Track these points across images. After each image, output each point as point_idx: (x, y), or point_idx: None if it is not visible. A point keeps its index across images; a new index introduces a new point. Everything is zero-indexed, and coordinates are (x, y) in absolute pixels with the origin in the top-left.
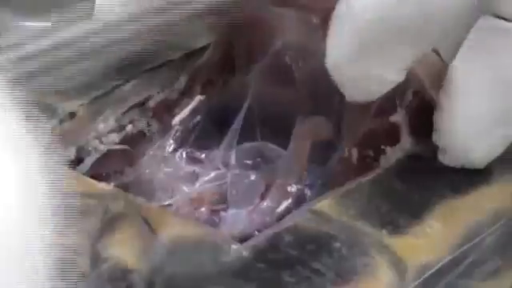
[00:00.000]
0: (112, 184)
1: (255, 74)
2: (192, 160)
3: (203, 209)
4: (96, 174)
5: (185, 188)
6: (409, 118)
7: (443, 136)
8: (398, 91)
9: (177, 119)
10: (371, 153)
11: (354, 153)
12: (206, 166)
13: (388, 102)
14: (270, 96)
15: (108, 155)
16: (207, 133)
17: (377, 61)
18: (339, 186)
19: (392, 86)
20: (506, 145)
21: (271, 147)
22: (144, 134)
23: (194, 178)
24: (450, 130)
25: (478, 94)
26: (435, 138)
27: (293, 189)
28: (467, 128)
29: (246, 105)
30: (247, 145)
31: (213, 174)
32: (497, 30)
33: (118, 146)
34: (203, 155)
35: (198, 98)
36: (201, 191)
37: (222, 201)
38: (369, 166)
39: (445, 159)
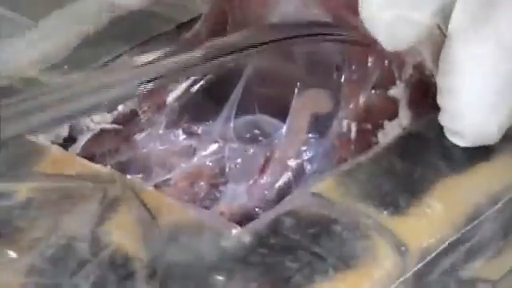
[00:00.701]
0: (108, 164)
1: None
2: (189, 134)
3: (202, 183)
4: (90, 153)
5: (182, 163)
6: (408, 92)
7: (449, 117)
8: (398, 64)
9: (171, 97)
10: (369, 127)
11: (353, 127)
12: (203, 140)
13: (387, 75)
14: (267, 69)
15: (101, 135)
16: (204, 107)
17: (409, 4)
18: (338, 160)
19: (426, 30)
20: None
21: (269, 120)
22: (136, 113)
23: (191, 152)
24: (456, 111)
25: (478, 67)
26: (441, 119)
27: (292, 163)
28: (473, 106)
29: (243, 78)
30: (245, 118)
31: (210, 148)
32: None
33: (110, 126)
34: (200, 129)
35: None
36: (199, 166)
37: (220, 175)
38: (367, 140)
39: (456, 140)
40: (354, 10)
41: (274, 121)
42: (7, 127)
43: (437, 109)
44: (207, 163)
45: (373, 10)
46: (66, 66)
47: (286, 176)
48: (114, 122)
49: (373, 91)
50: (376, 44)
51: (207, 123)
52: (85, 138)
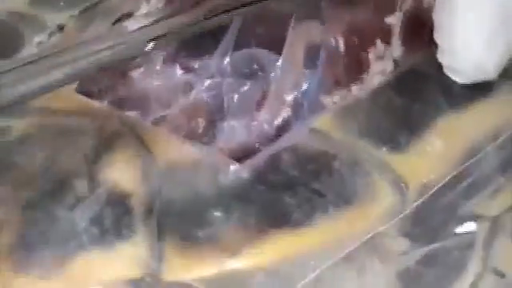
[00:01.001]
0: (105, 101)
1: None
2: (186, 69)
3: (200, 119)
4: (88, 90)
5: (180, 99)
6: (404, 23)
7: (447, 54)
8: None
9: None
10: (357, 41)
11: (341, 41)
12: (200, 75)
13: (387, 4)
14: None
15: (99, 71)
16: (201, 42)
17: None
18: (330, 82)
19: None
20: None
21: (266, 53)
22: None
23: (188, 88)
24: (453, 48)
25: (473, 4)
26: (439, 56)
27: (289, 97)
28: (470, 43)
29: (239, 15)
30: (242, 52)
31: (207, 84)
32: None
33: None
34: (197, 64)
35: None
36: (196, 101)
37: (218, 110)
38: (357, 55)
39: (454, 76)
40: None
41: (271, 54)
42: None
43: (433, 45)
44: (205, 99)
45: None
46: (61, 3)
47: (285, 112)
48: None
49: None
50: None
51: (204, 58)
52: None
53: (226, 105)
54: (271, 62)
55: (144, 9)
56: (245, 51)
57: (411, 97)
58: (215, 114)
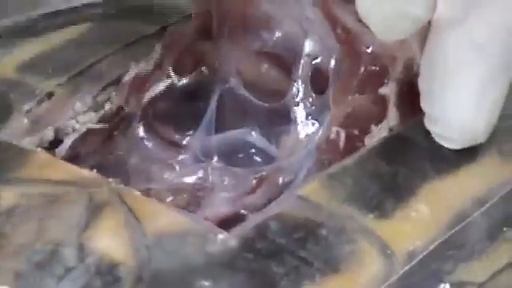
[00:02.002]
0: (90, 167)
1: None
2: (169, 144)
3: (185, 195)
4: (75, 154)
5: (164, 175)
6: (398, 91)
7: (434, 122)
8: (389, 63)
9: (147, 97)
10: (357, 132)
11: (341, 134)
12: (184, 152)
13: (377, 75)
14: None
15: (87, 134)
16: (185, 113)
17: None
18: (324, 163)
19: (422, 24)
20: (498, 108)
21: (254, 136)
22: (123, 109)
23: (172, 166)
24: (439, 116)
25: (455, 69)
26: (426, 123)
27: (284, 180)
28: (456, 109)
29: (226, 85)
30: (228, 134)
31: (192, 165)
32: None
33: (96, 126)
34: (180, 140)
35: (171, 77)
36: (180, 182)
37: (204, 190)
38: (355, 145)
39: (445, 143)
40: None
41: (259, 136)
42: None
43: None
44: (190, 181)
45: (370, 4)
46: (49, 70)
47: (277, 191)
48: (100, 121)
49: (361, 95)
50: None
51: (187, 133)
52: (71, 139)
53: (213, 186)
54: (261, 146)
55: (132, 73)
56: (231, 134)
57: (398, 163)
58: (201, 191)
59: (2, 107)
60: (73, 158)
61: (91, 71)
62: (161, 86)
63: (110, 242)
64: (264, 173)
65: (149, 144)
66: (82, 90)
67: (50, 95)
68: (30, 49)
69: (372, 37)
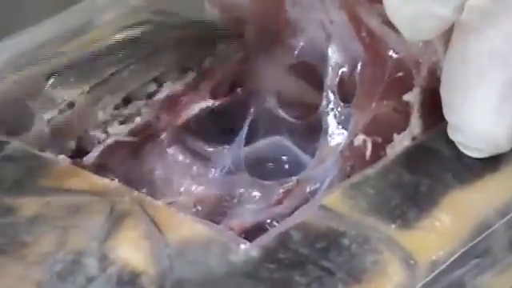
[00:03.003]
0: (116, 178)
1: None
2: (198, 157)
3: (210, 206)
4: (102, 165)
5: (191, 188)
6: (422, 99)
7: (457, 132)
8: (414, 67)
9: (183, 117)
10: (380, 140)
11: (364, 141)
12: (212, 165)
13: (403, 80)
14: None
15: (114, 146)
16: (216, 129)
17: None
18: (348, 172)
19: (449, 24)
20: None
21: (286, 144)
22: (151, 126)
23: (199, 179)
24: (462, 125)
25: (476, 78)
26: (449, 133)
27: (311, 189)
28: (478, 119)
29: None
30: (259, 144)
31: (220, 178)
32: None
33: (125, 138)
34: (212, 154)
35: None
36: (207, 192)
37: (230, 202)
38: (377, 154)
39: (469, 153)
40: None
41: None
42: None
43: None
44: (217, 191)
45: (397, 3)
46: (71, 79)
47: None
48: (129, 134)
49: (385, 101)
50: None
51: (219, 147)
52: (99, 150)
53: (239, 198)
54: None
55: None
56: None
57: (420, 172)
58: (227, 203)
59: (24, 116)
60: (100, 168)
61: (113, 81)
62: (195, 109)
63: (131, 251)
64: (291, 184)
65: (177, 157)
66: (104, 99)
67: (71, 105)
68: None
69: (397, 41)
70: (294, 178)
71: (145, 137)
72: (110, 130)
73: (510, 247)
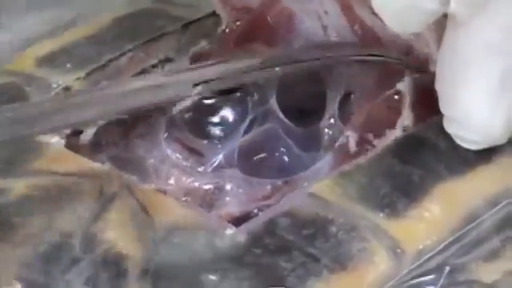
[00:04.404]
0: (109, 157)
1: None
2: (191, 151)
3: (198, 198)
4: (97, 143)
5: (181, 178)
6: (414, 90)
7: (454, 125)
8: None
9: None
10: (371, 137)
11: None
12: (205, 159)
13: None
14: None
15: (108, 125)
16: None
17: None
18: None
19: (437, 16)
20: None
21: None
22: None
23: (190, 171)
24: (459, 118)
25: (471, 70)
26: (446, 126)
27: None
28: (475, 111)
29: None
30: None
31: (211, 173)
32: None
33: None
34: (203, 146)
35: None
36: (196, 186)
37: (218, 195)
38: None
39: (467, 145)
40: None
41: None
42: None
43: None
44: (206, 186)
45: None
46: (68, 65)
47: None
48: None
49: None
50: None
51: (213, 141)
52: (94, 129)
53: (227, 194)
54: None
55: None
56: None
57: (411, 163)
58: (216, 195)
59: (18, 101)
60: (95, 146)
61: (110, 67)
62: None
63: (117, 234)
64: (280, 182)
65: (171, 147)
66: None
67: (66, 89)
68: (49, 43)
69: (388, 31)
70: (285, 179)
71: (140, 117)
72: None
73: (497, 235)
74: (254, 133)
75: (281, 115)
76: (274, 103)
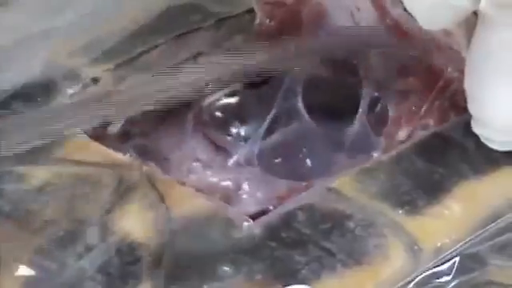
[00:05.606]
0: (135, 149)
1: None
2: (215, 147)
3: (217, 194)
4: (124, 133)
5: (201, 174)
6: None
7: (481, 126)
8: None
9: (207, 101)
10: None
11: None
12: (227, 154)
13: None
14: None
15: (138, 117)
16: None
17: None
18: None
19: (466, 13)
20: None
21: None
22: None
23: (211, 167)
24: (486, 119)
25: (499, 71)
26: (473, 127)
27: None
28: (503, 112)
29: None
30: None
31: (231, 169)
32: None
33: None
34: (226, 144)
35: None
36: (215, 182)
37: (235, 192)
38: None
39: (491, 145)
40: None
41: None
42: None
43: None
44: (224, 183)
45: None
46: (99, 56)
47: None
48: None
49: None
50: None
51: (237, 138)
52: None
53: (245, 192)
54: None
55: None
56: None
57: (435, 161)
58: (233, 192)
59: (47, 90)
60: (123, 137)
61: (140, 60)
62: (220, 94)
63: (133, 223)
64: (299, 185)
65: (196, 142)
66: (129, 77)
67: (95, 80)
68: (83, 34)
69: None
70: (304, 181)
71: (167, 110)
72: None
73: None
74: (278, 133)
75: (306, 116)
76: (299, 101)
